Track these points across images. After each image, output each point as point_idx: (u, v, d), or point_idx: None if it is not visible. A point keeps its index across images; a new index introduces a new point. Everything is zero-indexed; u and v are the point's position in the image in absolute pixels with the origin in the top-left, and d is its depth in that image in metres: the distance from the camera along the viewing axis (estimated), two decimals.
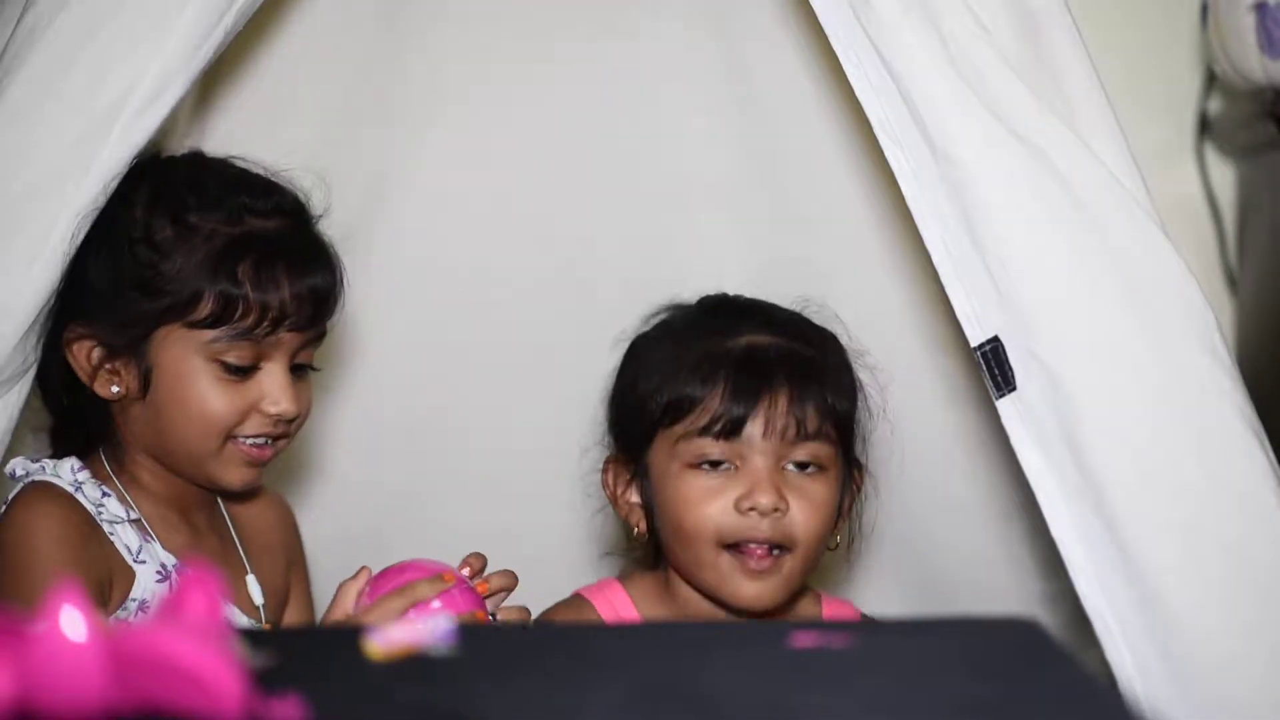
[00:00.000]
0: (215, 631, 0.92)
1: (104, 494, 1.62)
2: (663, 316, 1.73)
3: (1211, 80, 2.29)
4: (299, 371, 1.64)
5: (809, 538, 1.59)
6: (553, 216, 2.12)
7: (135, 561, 1.60)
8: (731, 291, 1.87)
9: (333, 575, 1.77)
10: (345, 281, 1.66)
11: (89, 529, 1.59)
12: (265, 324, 1.57)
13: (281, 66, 1.98)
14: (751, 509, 1.57)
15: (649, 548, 1.70)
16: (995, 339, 1.52)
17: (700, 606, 1.62)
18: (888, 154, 1.56)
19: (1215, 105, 2.31)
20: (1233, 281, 2.31)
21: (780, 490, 1.58)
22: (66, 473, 1.62)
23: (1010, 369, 1.52)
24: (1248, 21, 1.99)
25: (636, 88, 2.11)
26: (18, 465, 1.62)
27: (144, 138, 1.56)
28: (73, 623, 0.88)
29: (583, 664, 1.11)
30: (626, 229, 2.13)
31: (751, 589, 1.57)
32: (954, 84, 1.52)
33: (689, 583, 1.62)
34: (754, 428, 1.59)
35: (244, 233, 1.58)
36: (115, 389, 1.60)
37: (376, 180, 2.09)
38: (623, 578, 1.70)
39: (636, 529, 1.66)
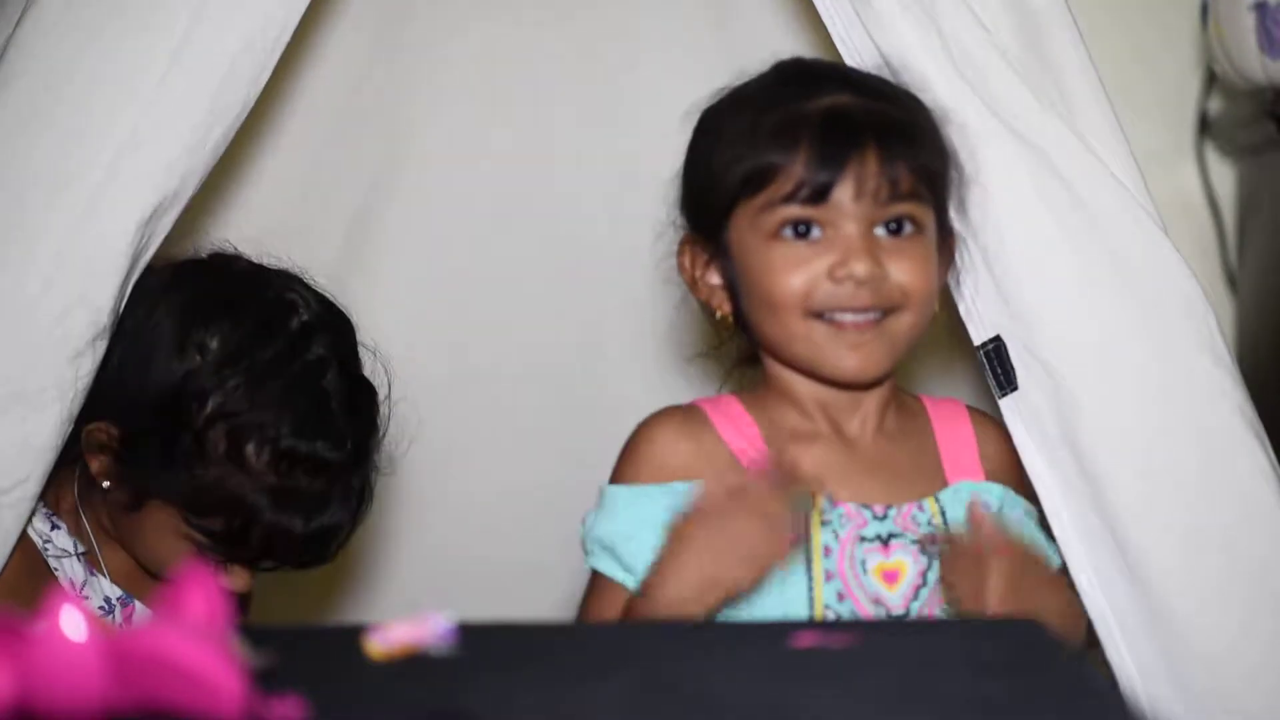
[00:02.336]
0: (215, 631, 0.92)
1: (53, 526, 1.62)
2: (733, 86, 1.54)
3: (1211, 80, 2.29)
4: None
5: (918, 292, 1.45)
6: (552, 215, 2.12)
7: (79, 596, 1.60)
8: None
9: (337, 577, 1.77)
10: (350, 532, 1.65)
11: (31, 563, 1.59)
12: (247, 559, 1.57)
13: (282, 66, 1.97)
14: (847, 277, 1.42)
15: (740, 344, 1.56)
16: (998, 338, 1.52)
17: (805, 391, 1.50)
18: None
19: (1215, 105, 2.31)
20: (1233, 281, 2.31)
21: (876, 256, 1.43)
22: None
23: (1012, 368, 1.52)
24: (1248, 21, 1.99)
25: (637, 87, 2.11)
26: None
27: (150, 138, 1.55)
28: (73, 623, 0.88)
29: (583, 663, 1.11)
30: (626, 227, 2.13)
31: (853, 360, 1.44)
32: (955, 83, 1.52)
33: (782, 361, 1.50)
34: (843, 191, 1.43)
35: (276, 492, 1.56)
36: (105, 484, 1.60)
37: (376, 179, 2.09)
38: (736, 391, 1.57)
39: (719, 312, 1.52)
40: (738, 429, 1.49)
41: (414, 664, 1.08)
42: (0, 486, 1.54)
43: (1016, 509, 1.50)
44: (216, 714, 0.89)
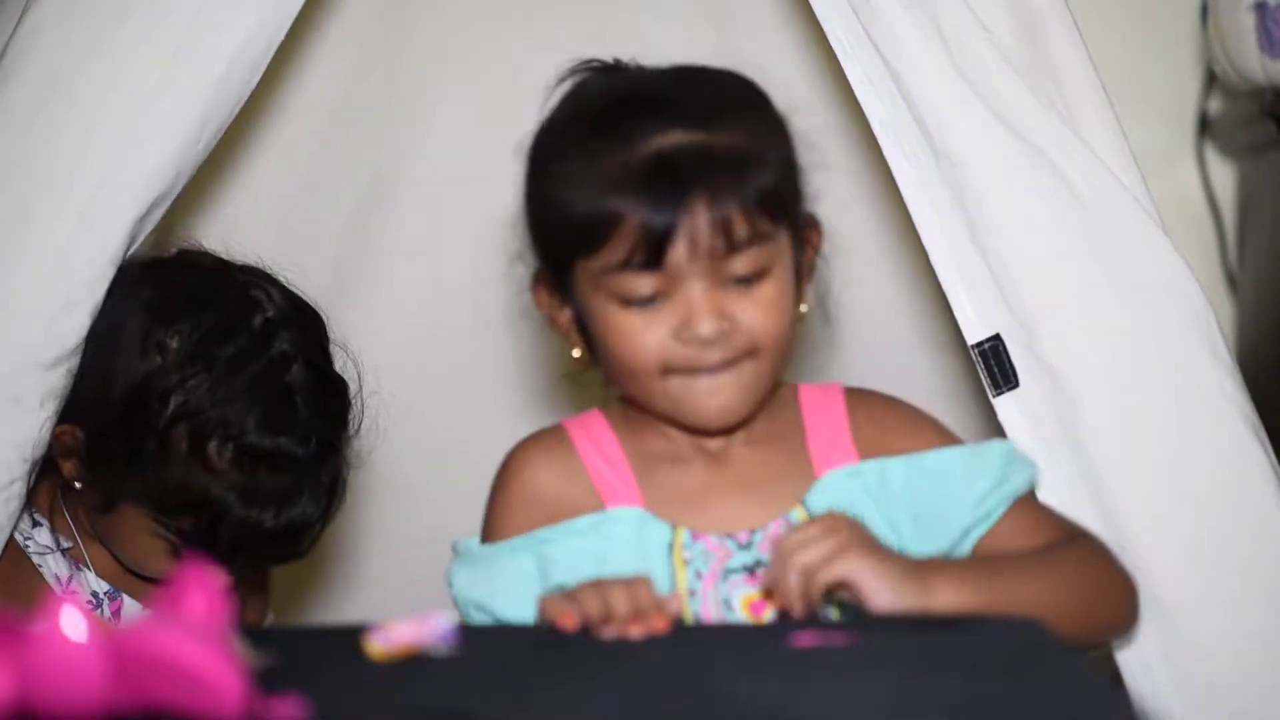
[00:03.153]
0: (215, 631, 0.92)
1: (35, 524, 1.62)
2: (562, 110, 1.48)
3: (1211, 80, 2.29)
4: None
5: (770, 339, 1.39)
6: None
7: (65, 591, 1.59)
8: None
9: (328, 575, 1.76)
10: (313, 535, 1.62)
11: (14, 561, 1.59)
12: (219, 557, 1.52)
13: (282, 65, 1.98)
14: (692, 339, 1.37)
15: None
16: (996, 337, 1.52)
17: (666, 428, 1.45)
18: (887, 153, 1.56)
19: (1215, 105, 2.31)
20: (1233, 281, 2.31)
21: (721, 310, 1.37)
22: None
23: (1011, 366, 1.52)
24: (1248, 21, 1.99)
25: None
26: None
27: (148, 139, 1.55)
28: (73, 623, 0.88)
29: (583, 663, 1.11)
30: None
31: (712, 407, 1.39)
32: (954, 83, 1.52)
33: (646, 412, 1.45)
34: (677, 252, 1.35)
35: (242, 489, 1.55)
36: (77, 485, 1.59)
37: (375, 182, 2.09)
38: (604, 407, 1.51)
39: (577, 350, 1.47)
40: (601, 450, 1.43)
41: (414, 664, 1.08)
42: None
43: (895, 481, 1.39)
44: (216, 714, 0.89)
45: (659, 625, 1.18)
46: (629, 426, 1.46)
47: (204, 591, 0.94)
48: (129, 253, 1.59)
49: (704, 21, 2.08)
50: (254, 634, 1.07)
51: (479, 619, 1.38)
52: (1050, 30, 1.57)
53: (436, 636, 1.11)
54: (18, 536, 1.59)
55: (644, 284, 1.37)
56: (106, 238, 1.55)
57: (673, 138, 1.38)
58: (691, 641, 1.18)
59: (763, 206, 1.37)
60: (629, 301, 1.37)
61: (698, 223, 1.35)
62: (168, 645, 0.90)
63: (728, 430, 1.43)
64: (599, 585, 1.22)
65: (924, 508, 1.38)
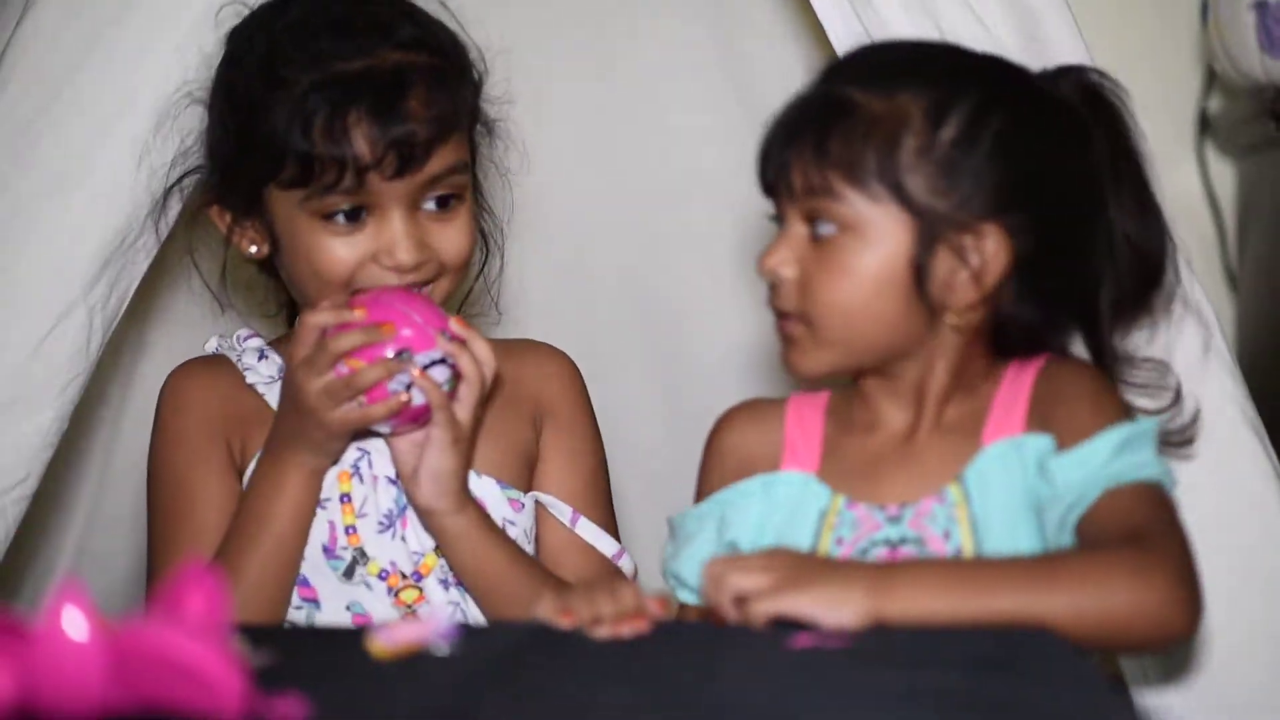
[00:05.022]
0: (215, 631, 0.93)
1: (262, 357, 1.57)
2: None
3: (1211, 79, 2.29)
4: (444, 207, 1.52)
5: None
6: (550, 213, 2.12)
7: None
8: (727, 287, 1.87)
9: None
10: (465, 109, 1.55)
11: (231, 392, 1.55)
12: (347, 179, 1.46)
13: None
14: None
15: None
16: None
17: (864, 379, 1.41)
18: None
19: (1215, 104, 2.31)
20: (1233, 281, 2.30)
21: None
22: (235, 342, 1.59)
23: None
24: (1248, 20, 1.99)
25: (635, 85, 2.11)
26: (213, 342, 1.60)
27: (150, 139, 1.55)
28: (73, 623, 0.88)
29: (583, 663, 1.11)
30: (625, 225, 2.13)
31: None
32: None
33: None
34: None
35: (321, 82, 1.46)
36: (254, 249, 1.53)
37: None
38: (837, 387, 1.47)
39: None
40: (802, 419, 1.43)
41: (414, 664, 1.08)
42: (1, 486, 1.55)
43: (1038, 459, 1.32)
44: (216, 714, 0.89)
45: (641, 626, 1.19)
46: (844, 398, 1.43)
47: (204, 591, 0.94)
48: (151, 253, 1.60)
49: (703, 19, 2.08)
50: (254, 634, 1.07)
51: (678, 590, 1.41)
52: (1050, 30, 1.57)
53: (437, 635, 1.11)
54: (242, 370, 1.56)
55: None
56: (109, 238, 1.56)
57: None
58: (692, 641, 1.18)
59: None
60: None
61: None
62: (168, 645, 0.90)
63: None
64: (589, 590, 1.23)
65: (1044, 493, 1.31)
